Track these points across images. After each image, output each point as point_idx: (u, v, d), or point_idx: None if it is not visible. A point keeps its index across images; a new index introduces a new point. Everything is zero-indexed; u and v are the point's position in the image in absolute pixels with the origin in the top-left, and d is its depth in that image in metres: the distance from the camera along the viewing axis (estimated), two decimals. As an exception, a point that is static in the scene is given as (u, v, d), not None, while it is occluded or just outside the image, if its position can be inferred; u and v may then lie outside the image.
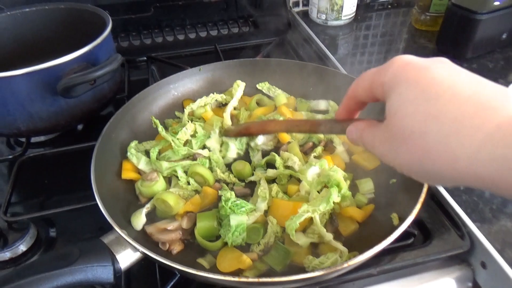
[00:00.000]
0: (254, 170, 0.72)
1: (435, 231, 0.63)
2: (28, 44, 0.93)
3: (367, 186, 0.68)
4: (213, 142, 0.76)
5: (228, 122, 0.80)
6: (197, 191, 0.69)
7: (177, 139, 0.74)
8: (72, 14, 0.92)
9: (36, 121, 0.75)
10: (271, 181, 0.70)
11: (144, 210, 0.63)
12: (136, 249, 0.51)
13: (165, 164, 0.70)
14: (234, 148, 0.75)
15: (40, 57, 0.90)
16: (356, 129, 0.42)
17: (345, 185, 0.62)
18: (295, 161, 0.69)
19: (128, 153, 0.71)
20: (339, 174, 0.62)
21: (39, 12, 0.92)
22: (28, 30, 0.92)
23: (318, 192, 0.63)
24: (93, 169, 0.61)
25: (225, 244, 0.60)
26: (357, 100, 0.44)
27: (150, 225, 0.62)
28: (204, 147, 0.77)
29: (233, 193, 0.63)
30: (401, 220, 0.57)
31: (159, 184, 0.67)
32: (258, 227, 0.61)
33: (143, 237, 0.61)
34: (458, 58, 1.05)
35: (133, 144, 0.73)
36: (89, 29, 0.83)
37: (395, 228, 0.56)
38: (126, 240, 0.51)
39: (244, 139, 0.76)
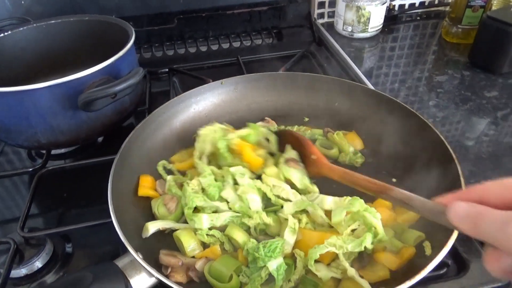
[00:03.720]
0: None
1: (471, 261, 0.59)
2: (53, 56, 0.93)
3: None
4: (230, 192, 0.65)
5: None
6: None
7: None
8: (96, 26, 0.92)
9: (57, 134, 0.74)
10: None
11: (160, 226, 0.61)
12: (151, 275, 0.49)
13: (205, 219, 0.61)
14: (258, 200, 0.63)
15: (63, 69, 0.92)
16: (484, 215, 0.30)
17: (382, 232, 0.56)
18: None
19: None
20: (376, 218, 0.56)
21: (64, 24, 0.92)
22: (53, 42, 0.93)
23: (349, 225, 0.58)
24: (110, 187, 0.59)
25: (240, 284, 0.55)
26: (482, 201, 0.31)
27: (165, 250, 0.59)
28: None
29: (254, 240, 0.57)
30: (435, 249, 0.53)
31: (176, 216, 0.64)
32: (290, 263, 0.56)
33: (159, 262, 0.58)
34: (493, 72, 1.00)
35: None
36: (112, 41, 0.82)
37: (427, 258, 0.52)
38: (141, 265, 0.49)
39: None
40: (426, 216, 0.42)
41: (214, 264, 0.55)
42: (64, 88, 0.69)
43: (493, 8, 1.11)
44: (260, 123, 0.85)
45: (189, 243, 0.58)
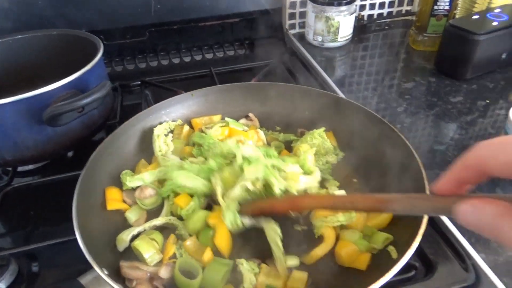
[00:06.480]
0: None
1: (438, 263, 0.60)
2: (20, 71, 0.92)
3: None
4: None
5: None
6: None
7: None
8: (64, 40, 0.91)
9: (22, 151, 0.72)
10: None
11: (133, 232, 0.61)
12: (117, 291, 0.48)
13: None
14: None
15: (31, 84, 0.89)
16: (480, 211, 0.29)
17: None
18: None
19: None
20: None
21: (31, 39, 0.91)
22: (20, 57, 0.91)
23: None
24: (75, 203, 0.58)
25: None
26: (480, 171, 0.31)
27: (126, 261, 0.58)
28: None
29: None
30: (400, 253, 0.54)
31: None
32: None
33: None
34: (457, 78, 1.03)
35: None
36: (81, 55, 0.81)
37: (394, 261, 0.53)
38: (107, 282, 0.48)
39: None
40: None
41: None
42: (28, 103, 0.68)
43: (457, 16, 1.16)
44: (242, 121, 0.85)
45: (148, 252, 0.58)
